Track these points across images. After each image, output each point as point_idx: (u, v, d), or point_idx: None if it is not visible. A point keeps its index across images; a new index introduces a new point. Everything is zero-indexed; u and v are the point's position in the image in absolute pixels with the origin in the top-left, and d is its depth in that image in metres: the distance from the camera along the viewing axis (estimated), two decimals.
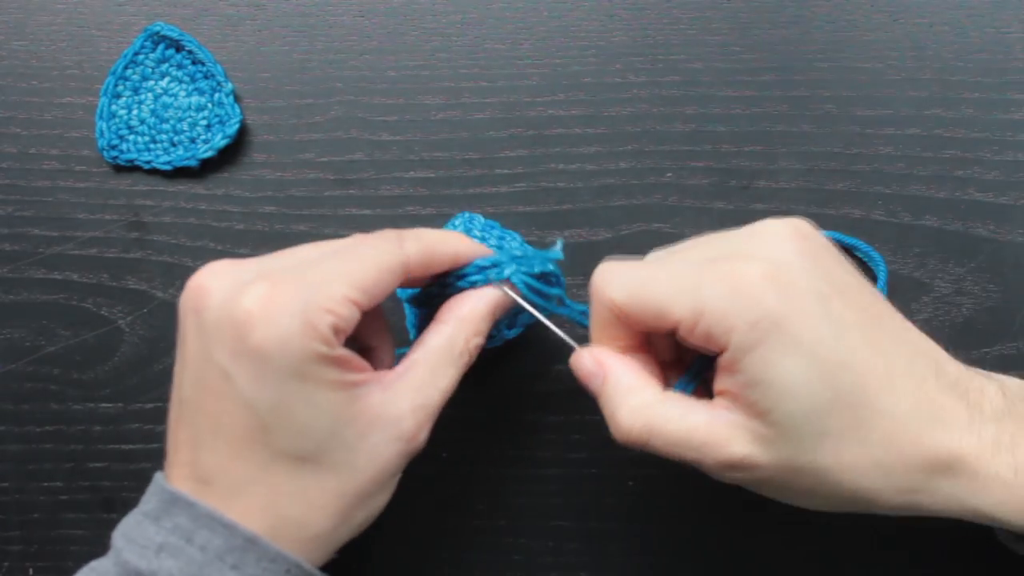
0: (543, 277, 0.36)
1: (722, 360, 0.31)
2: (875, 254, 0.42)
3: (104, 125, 0.44)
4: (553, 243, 0.37)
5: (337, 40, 0.45)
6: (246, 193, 0.44)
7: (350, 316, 0.30)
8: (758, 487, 0.32)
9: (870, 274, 0.42)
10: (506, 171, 0.44)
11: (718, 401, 0.32)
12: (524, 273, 0.35)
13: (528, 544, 0.41)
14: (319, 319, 0.29)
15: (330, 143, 0.44)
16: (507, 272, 0.34)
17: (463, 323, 0.34)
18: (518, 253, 0.35)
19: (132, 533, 0.30)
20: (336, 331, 0.30)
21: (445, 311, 0.34)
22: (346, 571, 0.42)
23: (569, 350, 0.35)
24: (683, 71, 0.44)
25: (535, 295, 0.35)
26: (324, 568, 0.31)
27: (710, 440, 0.31)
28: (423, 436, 0.32)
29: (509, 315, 0.37)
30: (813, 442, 0.30)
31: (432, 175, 0.44)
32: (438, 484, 0.42)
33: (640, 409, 0.33)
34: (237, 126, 0.44)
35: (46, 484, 0.43)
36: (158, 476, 0.31)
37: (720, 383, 0.32)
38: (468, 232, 0.41)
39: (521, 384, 0.42)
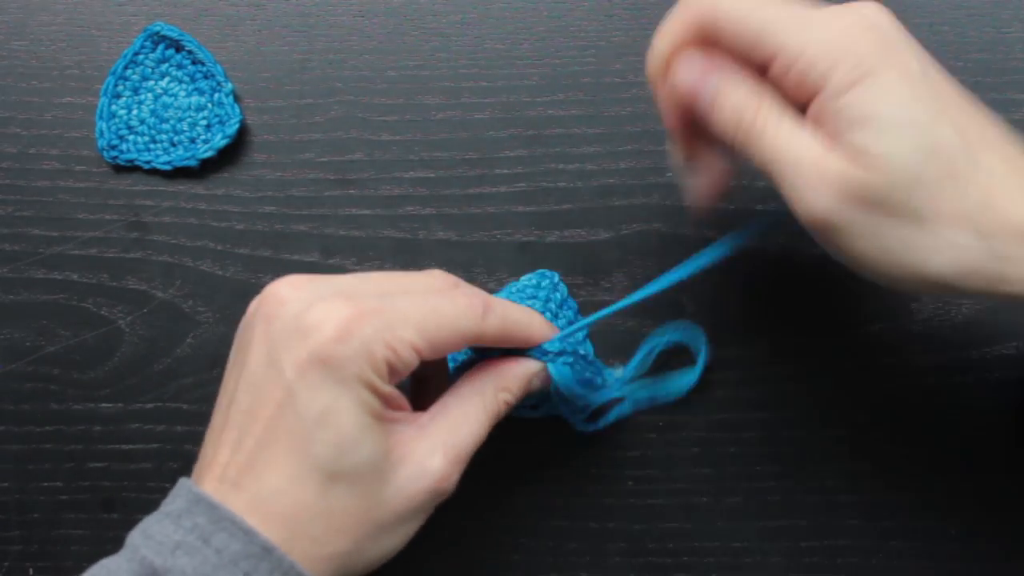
0: (587, 382, 0.38)
1: (816, 103, 0.30)
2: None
3: (104, 125, 0.44)
4: (615, 365, 0.40)
5: (337, 40, 0.45)
6: (246, 193, 0.44)
7: (410, 361, 0.31)
8: (849, 239, 0.31)
9: None
10: (506, 171, 0.44)
11: (821, 137, 0.31)
12: (569, 376, 0.37)
13: (528, 544, 0.41)
14: (381, 353, 0.30)
15: (330, 143, 0.44)
16: (554, 370, 0.36)
17: (499, 378, 0.35)
18: (582, 353, 0.38)
19: (151, 531, 0.30)
20: (392, 370, 0.31)
21: (486, 365, 0.35)
22: None
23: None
24: None
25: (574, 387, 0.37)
26: None
27: (803, 172, 0.30)
28: (453, 479, 0.32)
29: (543, 393, 0.38)
30: (909, 186, 0.29)
31: (432, 175, 0.44)
32: None
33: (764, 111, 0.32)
34: (237, 126, 0.44)
35: (46, 484, 0.43)
36: (184, 480, 0.31)
37: (812, 112, 0.31)
38: (545, 300, 0.41)
39: None
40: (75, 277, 0.44)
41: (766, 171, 0.32)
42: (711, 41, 0.33)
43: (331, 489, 0.30)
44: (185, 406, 0.42)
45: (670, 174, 0.43)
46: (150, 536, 0.29)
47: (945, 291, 0.31)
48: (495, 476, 0.42)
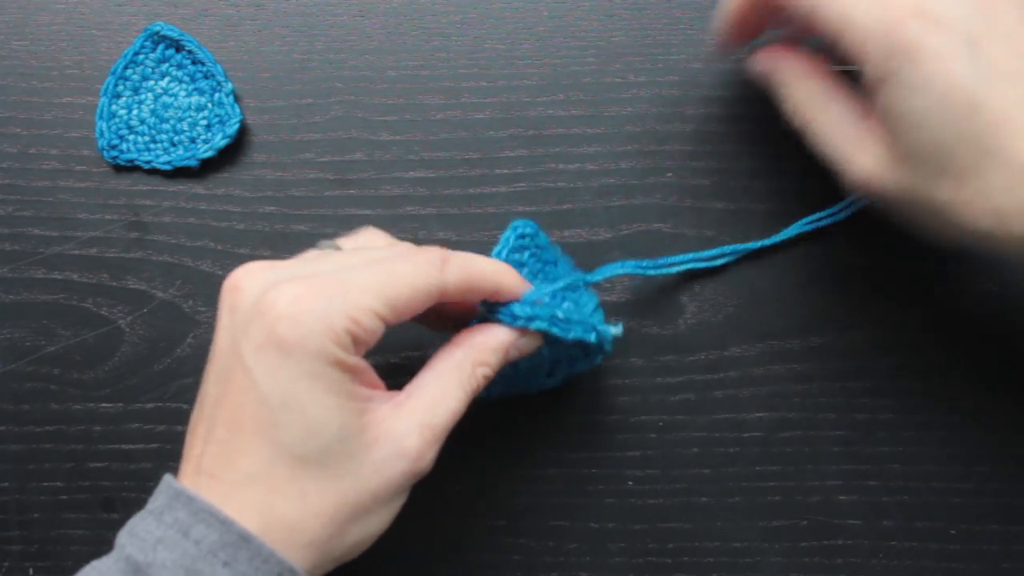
0: (583, 345, 0.37)
1: (865, 80, 0.33)
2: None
3: (104, 125, 0.44)
4: (613, 323, 0.38)
5: (337, 40, 0.45)
6: (246, 193, 0.44)
7: (373, 328, 0.31)
8: (887, 205, 0.34)
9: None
10: (506, 171, 0.44)
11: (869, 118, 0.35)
12: (556, 335, 0.35)
13: (528, 544, 0.41)
14: (340, 324, 0.30)
15: (330, 143, 0.44)
16: (536, 326, 0.34)
17: (474, 350, 0.34)
18: (560, 316, 0.35)
19: (136, 529, 0.30)
20: (356, 340, 0.30)
21: (460, 335, 0.34)
22: (346, 571, 0.42)
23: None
24: (683, 71, 0.44)
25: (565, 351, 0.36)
26: None
27: (847, 147, 0.34)
28: (429, 456, 0.32)
29: (544, 362, 0.38)
30: (933, 178, 0.32)
31: (432, 175, 0.44)
32: (438, 484, 0.42)
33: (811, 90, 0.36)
34: (237, 126, 0.44)
35: (46, 484, 0.43)
36: (167, 476, 0.31)
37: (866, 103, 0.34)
38: (522, 248, 0.38)
39: None
40: (75, 277, 0.44)
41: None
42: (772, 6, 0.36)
43: (303, 473, 0.30)
44: (185, 406, 0.42)
45: (670, 174, 0.44)
46: (135, 534, 0.30)
47: (1000, 244, 0.32)
48: (495, 476, 0.42)
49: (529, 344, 0.35)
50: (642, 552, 0.41)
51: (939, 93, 0.31)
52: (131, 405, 0.43)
